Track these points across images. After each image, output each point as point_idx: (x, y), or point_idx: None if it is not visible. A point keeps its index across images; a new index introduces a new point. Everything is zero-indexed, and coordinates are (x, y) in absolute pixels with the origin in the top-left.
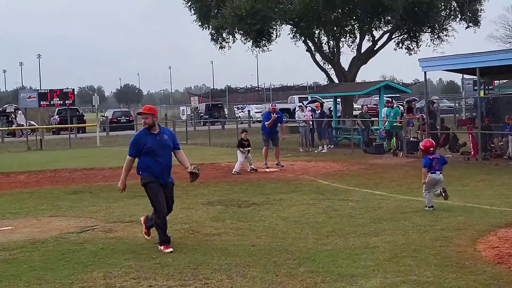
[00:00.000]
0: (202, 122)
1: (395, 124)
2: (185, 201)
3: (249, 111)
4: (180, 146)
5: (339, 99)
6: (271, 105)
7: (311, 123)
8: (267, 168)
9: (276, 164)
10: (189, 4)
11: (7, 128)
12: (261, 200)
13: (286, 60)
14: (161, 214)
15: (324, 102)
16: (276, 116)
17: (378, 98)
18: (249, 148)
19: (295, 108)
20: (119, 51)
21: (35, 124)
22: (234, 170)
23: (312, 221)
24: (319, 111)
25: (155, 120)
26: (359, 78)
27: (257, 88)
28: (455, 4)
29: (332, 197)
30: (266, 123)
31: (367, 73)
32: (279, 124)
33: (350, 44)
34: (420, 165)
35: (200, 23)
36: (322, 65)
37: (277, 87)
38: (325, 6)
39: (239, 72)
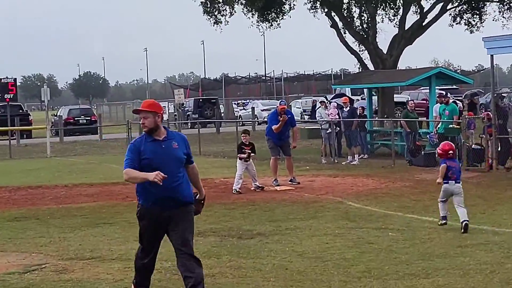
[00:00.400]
0: (189, 124)
1: (451, 126)
2: None
3: (253, 108)
4: (193, 159)
5: (375, 92)
6: (280, 104)
7: (337, 124)
8: (278, 185)
9: (290, 181)
10: None
11: None
12: (270, 229)
13: (303, 39)
14: (145, 253)
15: (354, 99)
16: (286, 117)
17: (428, 91)
18: (251, 154)
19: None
20: (77, 29)
21: None
22: (233, 188)
23: (338, 258)
24: (348, 108)
25: (159, 120)
26: (402, 64)
27: (264, 78)
28: None
29: (366, 225)
30: (273, 127)
31: (413, 57)
32: (290, 128)
33: (391, 18)
34: (486, 181)
35: None
36: (352, 46)
37: (291, 76)
38: None
39: (240, 56)
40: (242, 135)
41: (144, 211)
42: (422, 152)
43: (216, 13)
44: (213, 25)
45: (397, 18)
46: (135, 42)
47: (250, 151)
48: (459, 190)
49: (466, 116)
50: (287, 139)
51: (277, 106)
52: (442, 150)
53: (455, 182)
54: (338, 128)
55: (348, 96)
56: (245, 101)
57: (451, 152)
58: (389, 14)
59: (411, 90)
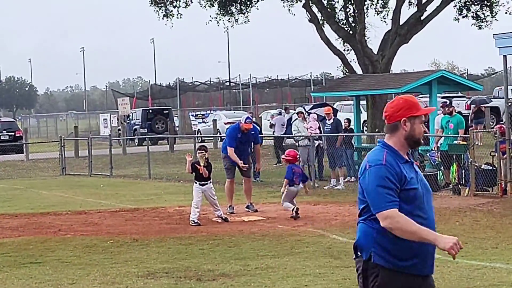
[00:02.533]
0: (137, 140)
1: (456, 141)
2: (108, 272)
3: (214, 121)
4: None
5: (364, 101)
6: (245, 121)
7: (317, 140)
8: (232, 213)
9: (247, 207)
10: None
11: None
12: (236, 269)
13: (276, 38)
14: None
15: (338, 109)
16: (249, 130)
17: (427, 99)
18: (209, 180)
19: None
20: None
21: None
22: (190, 219)
23: None
24: (332, 120)
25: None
26: (396, 67)
27: (228, 84)
28: None
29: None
30: (228, 148)
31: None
32: (251, 146)
33: (380, 10)
34: (499, 209)
35: None
36: (335, 44)
37: (262, 82)
38: None
39: (198, 58)
40: (198, 151)
41: (394, 279)
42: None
43: (167, 3)
44: (163, 19)
45: (386, 10)
46: (70, 40)
47: (209, 178)
48: (299, 189)
49: (474, 130)
50: (247, 158)
51: (240, 122)
52: (291, 156)
53: (299, 185)
54: (319, 144)
55: (331, 106)
56: (205, 113)
57: (297, 157)
58: (379, 5)
59: None
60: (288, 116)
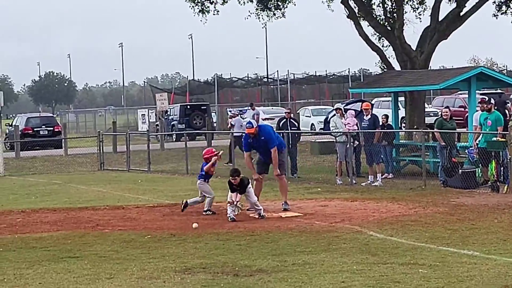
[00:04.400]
0: (174, 136)
1: (494, 138)
2: (146, 266)
3: (255, 116)
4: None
5: (402, 98)
6: (247, 126)
7: (354, 137)
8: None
9: (283, 204)
10: None
11: None
12: (273, 265)
13: (314, 34)
14: None
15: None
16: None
17: (466, 96)
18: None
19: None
20: (37, 20)
21: None
22: (227, 215)
23: None
24: (369, 116)
25: None
26: (434, 63)
27: (265, 80)
28: None
29: (391, 259)
30: (245, 154)
31: (448, 55)
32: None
33: (417, 6)
34: None
35: None
36: (373, 40)
37: (299, 78)
38: None
39: (236, 54)
40: (231, 177)
41: None
42: (459, 170)
43: (202, 0)
44: (198, 14)
45: (422, 7)
46: (109, 36)
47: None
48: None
49: None
50: (268, 163)
51: (245, 126)
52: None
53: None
54: (357, 142)
55: (369, 102)
56: (242, 109)
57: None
58: (414, 2)
59: (446, 95)
60: (254, 112)
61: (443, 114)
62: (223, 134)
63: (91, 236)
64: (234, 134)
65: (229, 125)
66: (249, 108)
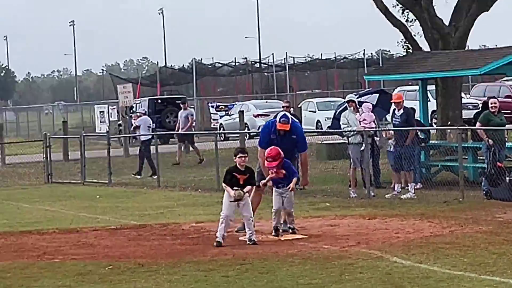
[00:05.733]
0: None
1: None
2: None
3: (241, 113)
4: None
5: (432, 86)
6: (280, 121)
7: (373, 138)
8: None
9: (289, 227)
10: None
11: None
12: None
13: (318, 5)
14: None
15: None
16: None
17: None
18: (246, 191)
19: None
20: None
21: None
22: (216, 238)
23: None
24: (401, 111)
25: None
26: (473, 42)
27: (258, 65)
28: None
29: None
30: (259, 148)
31: (491, 32)
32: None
33: None
34: None
35: None
36: (395, 13)
37: (301, 63)
38: None
39: (220, 33)
40: (239, 155)
41: None
42: (507, 178)
43: None
44: None
45: None
46: (57, 12)
47: (242, 189)
48: None
49: None
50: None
51: (275, 119)
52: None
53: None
54: (375, 142)
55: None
56: (228, 104)
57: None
58: None
59: (488, 82)
60: (188, 112)
61: (490, 105)
62: (204, 135)
63: (37, 267)
64: (142, 138)
65: (133, 126)
66: (182, 106)
